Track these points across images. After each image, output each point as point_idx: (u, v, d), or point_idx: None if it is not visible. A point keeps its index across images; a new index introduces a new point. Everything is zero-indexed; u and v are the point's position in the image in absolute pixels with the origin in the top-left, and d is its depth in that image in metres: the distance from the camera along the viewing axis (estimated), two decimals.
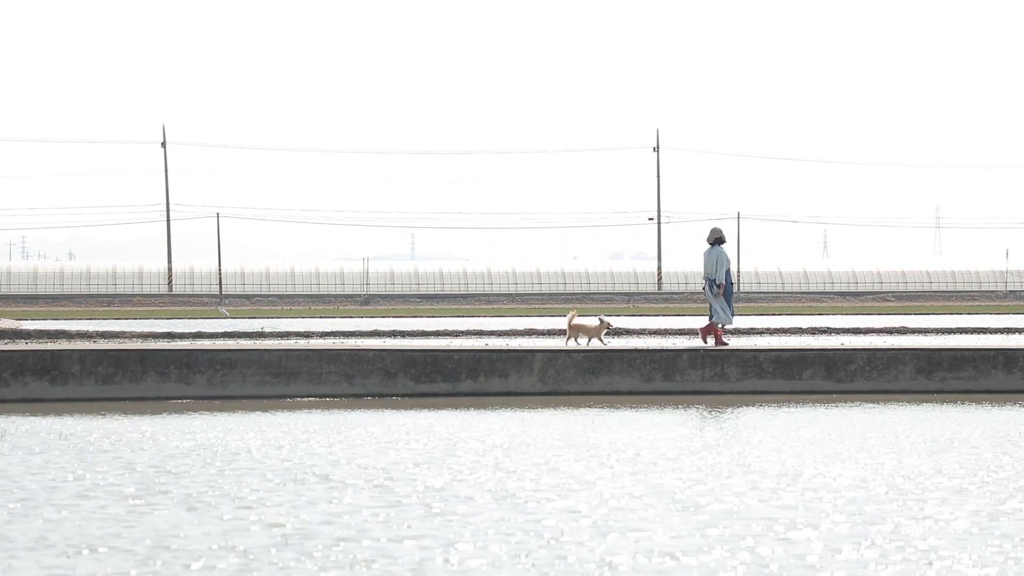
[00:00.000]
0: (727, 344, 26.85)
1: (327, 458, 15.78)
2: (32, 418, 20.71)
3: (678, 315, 69.61)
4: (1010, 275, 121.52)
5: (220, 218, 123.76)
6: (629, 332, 43.46)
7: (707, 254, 27.41)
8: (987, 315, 71.02)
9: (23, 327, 46.55)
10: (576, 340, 26.86)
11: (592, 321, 27.39)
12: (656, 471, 14.72)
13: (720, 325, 27.14)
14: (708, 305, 27.30)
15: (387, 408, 22.24)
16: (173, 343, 34.32)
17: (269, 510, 12.37)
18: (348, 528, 11.52)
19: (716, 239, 27.40)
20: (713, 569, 10.06)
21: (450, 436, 17.97)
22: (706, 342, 26.99)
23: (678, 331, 43.24)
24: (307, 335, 43.76)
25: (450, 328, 49.47)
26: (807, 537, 11.14)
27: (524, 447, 16.78)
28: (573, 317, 27.36)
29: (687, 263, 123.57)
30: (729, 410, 21.95)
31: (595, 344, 26.68)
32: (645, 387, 24.48)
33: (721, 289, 27.03)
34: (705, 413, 21.53)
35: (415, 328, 49.97)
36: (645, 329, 45.95)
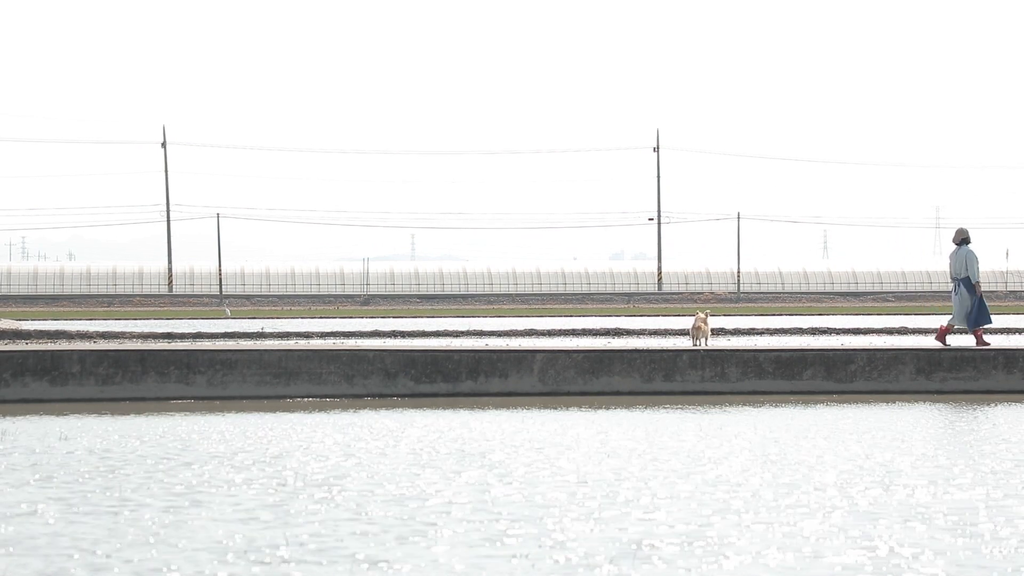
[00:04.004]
0: (988, 344, 26.74)
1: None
2: (32, 418, 20.68)
3: (678, 315, 69.54)
4: (1010, 275, 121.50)
5: (220, 218, 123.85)
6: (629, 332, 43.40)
7: (954, 255, 27.73)
8: None
9: (23, 327, 46.54)
10: (696, 341, 27.25)
11: (710, 321, 27.90)
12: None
13: (955, 325, 27.49)
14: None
15: (407, 408, 22.22)
16: (173, 343, 34.29)
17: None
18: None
19: (962, 239, 27.76)
20: None
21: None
22: (945, 343, 26.89)
23: (678, 331, 43.20)
24: (307, 335, 43.75)
25: (450, 328, 49.46)
26: None
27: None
28: (706, 318, 27.77)
29: (687, 263, 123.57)
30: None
31: (710, 343, 27.69)
32: (645, 387, 24.46)
33: (978, 289, 27.42)
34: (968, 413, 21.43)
35: (415, 328, 49.96)
36: (645, 329, 45.93)
